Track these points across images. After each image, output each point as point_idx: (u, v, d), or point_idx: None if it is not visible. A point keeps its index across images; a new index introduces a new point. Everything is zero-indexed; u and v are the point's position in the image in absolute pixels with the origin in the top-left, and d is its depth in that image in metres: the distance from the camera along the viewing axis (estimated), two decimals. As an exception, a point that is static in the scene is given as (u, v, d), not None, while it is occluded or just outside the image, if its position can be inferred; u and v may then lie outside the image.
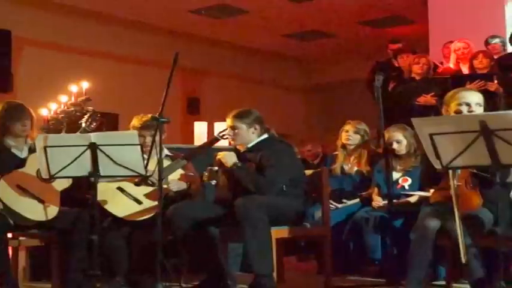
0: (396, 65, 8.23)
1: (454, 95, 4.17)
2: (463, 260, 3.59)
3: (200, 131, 7.06)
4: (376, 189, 5.48)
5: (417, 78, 7.36)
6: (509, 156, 3.42)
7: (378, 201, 5.34)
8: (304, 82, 15.09)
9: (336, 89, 14.28)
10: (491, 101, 6.29)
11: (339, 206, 5.62)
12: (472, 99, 4.10)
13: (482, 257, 3.82)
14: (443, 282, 4.59)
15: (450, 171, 3.74)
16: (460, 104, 4.08)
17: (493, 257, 3.53)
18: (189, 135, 7.58)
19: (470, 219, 3.83)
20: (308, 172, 5.13)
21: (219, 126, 6.00)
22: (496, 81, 6.83)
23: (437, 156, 3.57)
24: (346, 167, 5.92)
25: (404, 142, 5.43)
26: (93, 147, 4.14)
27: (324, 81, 14.66)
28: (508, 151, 3.39)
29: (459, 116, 3.95)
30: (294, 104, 14.72)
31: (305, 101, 15.17)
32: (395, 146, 5.43)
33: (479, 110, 4.06)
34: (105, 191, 4.72)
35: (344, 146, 5.95)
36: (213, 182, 4.92)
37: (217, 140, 5.26)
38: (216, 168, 4.84)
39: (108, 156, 4.14)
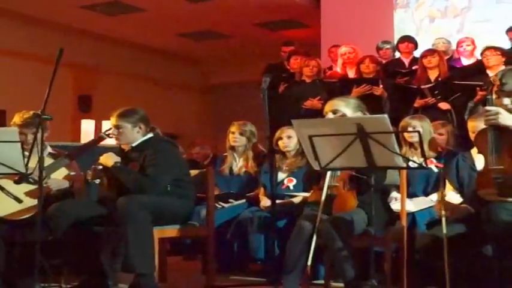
0: (288, 67, 8.35)
1: (330, 102, 4.28)
2: (309, 262, 3.71)
3: (87, 129, 6.95)
4: (262, 190, 5.55)
5: (307, 80, 7.45)
6: (384, 158, 3.53)
7: (265, 202, 5.40)
8: (199, 82, 15.06)
9: (230, 90, 14.30)
10: (376, 105, 6.50)
11: (225, 205, 5.64)
12: (338, 106, 4.19)
13: (357, 256, 3.93)
14: (322, 282, 4.68)
15: (328, 173, 3.84)
16: (327, 112, 4.19)
17: (366, 256, 3.63)
18: (79, 133, 7.46)
19: (342, 222, 3.93)
20: (194, 172, 5.14)
21: (106, 125, 5.91)
22: (381, 86, 7.02)
23: (316, 158, 3.65)
24: (234, 168, 5.95)
25: (295, 140, 5.50)
26: (-30, 144, 4.02)
27: (218, 82, 14.67)
28: (383, 154, 3.50)
29: (338, 118, 4.03)
30: (188, 104, 14.66)
31: (199, 102, 15.14)
32: (285, 141, 5.51)
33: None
34: (-17, 189, 4.59)
35: (232, 148, 5.98)
36: (97, 181, 4.86)
37: (102, 138, 5.19)
38: (101, 167, 4.78)
39: (-15, 153, 4.03)
